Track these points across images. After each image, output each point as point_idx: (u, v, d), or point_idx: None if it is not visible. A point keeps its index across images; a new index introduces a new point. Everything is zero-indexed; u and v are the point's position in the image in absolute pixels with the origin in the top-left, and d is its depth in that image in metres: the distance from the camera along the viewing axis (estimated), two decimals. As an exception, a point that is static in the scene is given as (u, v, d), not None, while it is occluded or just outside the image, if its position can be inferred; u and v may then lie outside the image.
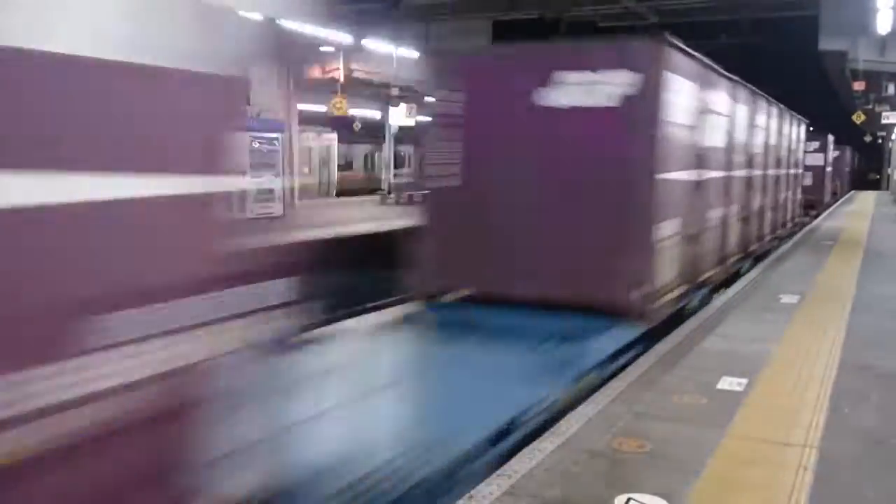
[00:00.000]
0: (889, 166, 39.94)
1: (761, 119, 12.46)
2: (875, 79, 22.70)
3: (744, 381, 5.39)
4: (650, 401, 4.96)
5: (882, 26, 15.74)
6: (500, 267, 6.98)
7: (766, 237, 13.76)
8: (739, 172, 10.77)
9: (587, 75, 6.77)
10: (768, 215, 13.95)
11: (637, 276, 6.64)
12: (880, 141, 46.41)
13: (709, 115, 8.69)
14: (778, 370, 5.72)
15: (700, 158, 8.31)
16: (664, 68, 6.79)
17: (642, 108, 6.65)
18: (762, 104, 12.58)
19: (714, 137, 9.08)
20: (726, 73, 9.73)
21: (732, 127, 10.16)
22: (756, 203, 12.46)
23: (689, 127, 7.79)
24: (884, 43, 17.14)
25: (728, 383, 5.34)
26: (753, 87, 11.50)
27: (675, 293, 7.55)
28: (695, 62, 8.01)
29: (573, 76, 6.82)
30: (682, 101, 7.46)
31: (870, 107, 26.96)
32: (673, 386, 5.30)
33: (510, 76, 7.10)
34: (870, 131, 40.04)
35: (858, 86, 22.57)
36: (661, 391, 5.17)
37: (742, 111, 10.91)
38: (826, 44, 18.00)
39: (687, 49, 7.59)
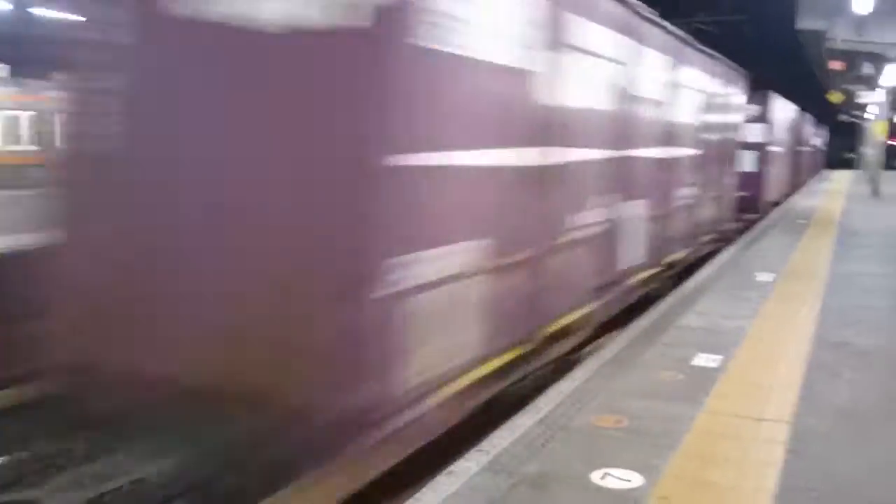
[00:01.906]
0: (863, 145, 40.31)
1: (659, 63, 7.78)
2: (852, 58, 22.81)
3: (719, 357, 5.45)
4: (627, 377, 5.00)
5: (859, 6, 15.78)
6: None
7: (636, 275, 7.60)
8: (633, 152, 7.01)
9: None
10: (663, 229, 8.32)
11: (336, 363, 3.48)
12: (854, 120, 46.79)
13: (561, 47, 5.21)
14: (753, 347, 5.79)
15: (537, 127, 4.89)
16: None
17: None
18: (665, 41, 8.09)
19: (574, 91, 5.52)
20: None
21: (617, 76, 6.43)
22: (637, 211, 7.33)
23: (502, 67, 4.47)
24: (861, 23, 17.20)
25: (704, 360, 5.40)
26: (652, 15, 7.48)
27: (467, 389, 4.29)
28: None
29: None
30: (479, 15, 4.19)
31: (846, 86, 27.12)
32: (650, 362, 5.35)
33: None
34: (845, 111, 40.31)
35: (835, 65, 22.67)
36: (638, 367, 5.22)
37: (630, 48, 6.82)
38: (804, 22, 18.05)
39: None
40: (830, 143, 54.06)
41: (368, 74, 3.48)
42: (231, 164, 3.71)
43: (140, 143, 3.88)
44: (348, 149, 3.50)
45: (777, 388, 4.83)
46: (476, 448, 3.84)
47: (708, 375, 5.04)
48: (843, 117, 43.36)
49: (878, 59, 20.27)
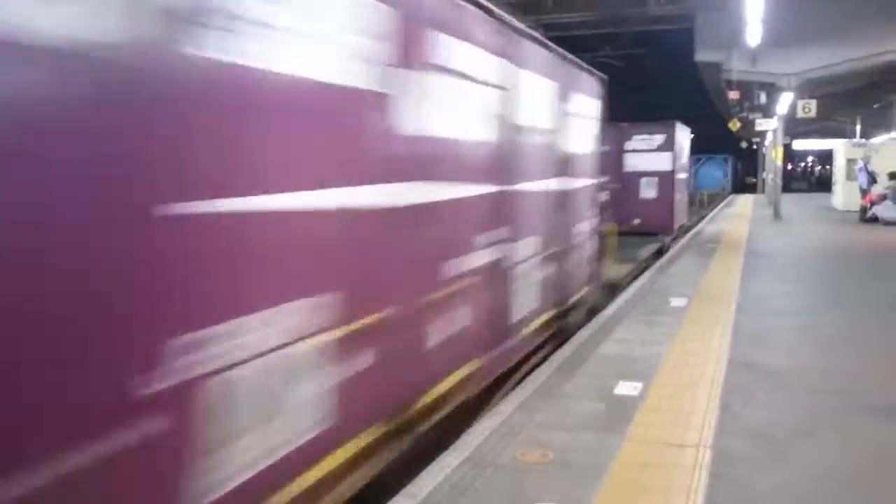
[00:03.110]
0: (763, 170, 42.14)
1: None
2: (748, 88, 23.92)
3: (639, 384, 5.53)
4: (551, 409, 5.02)
5: (752, 39, 16.59)
6: None
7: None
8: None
9: None
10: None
11: None
12: (755, 147, 48.93)
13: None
14: (671, 372, 5.90)
15: (395, 160, 4.06)
16: None
17: None
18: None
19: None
20: None
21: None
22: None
23: (335, 87, 3.50)
24: (754, 54, 18.07)
25: (625, 388, 5.47)
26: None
27: None
28: None
29: None
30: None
31: (744, 114, 28.39)
32: (572, 393, 5.39)
33: None
34: (745, 138, 42.14)
35: (733, 95, 23.73)
36: (561, 399, 5.25)
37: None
38: (702, 55, 18.88)
39: None
40: (735, 169, 56.70)
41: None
42: None
43: None
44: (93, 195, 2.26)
45: (696, 412, 4.92)
46: (402, 493, 3.77)
47: (630, 404, 5.11)
48: (744, 144, 45.29)
49: (772, 88, 21.31)
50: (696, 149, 29.65)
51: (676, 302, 8.98)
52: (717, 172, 53.51)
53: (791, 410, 5.03)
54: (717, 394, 5.31)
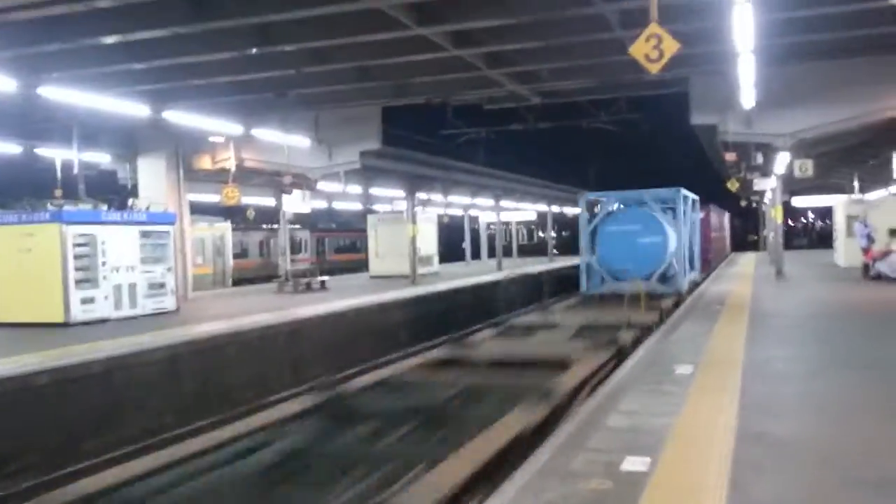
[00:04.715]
0: (764, 228, 42.24)
1: None
2: (745, 149, 24.16)
3: (648, 459, 5.44)
4: (558, 489, 4.93)
5: (746, 101, 16.82)
6: None
7: None
8: None
9: None
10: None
11: None
12: (755, 205, 49.18)
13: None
14: (679, 445, 5.82)
15: None
16: None
17: None
18: None
19: None
20: None
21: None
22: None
23: None
24: (749, 116, 18.30)
25: (632, 463, 5.38)
26: None
27: None
28: None
29: None
30: None
31: (742, 174, 28.63)
32: (578, 470, 5.30)
33: None
34: (744, 197, 42.40)
35: (730, 156, 23.97)
36: (568, 477, 5.16)
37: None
38: (697, 118, 19.09)
39: None
40: (735, 227, 56.69)
41: None
42: None
43: None
44: None
45: (706, 489, 4.83)
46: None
47: (638, 481, 5.02)
48: (744, 202, 45.53)
49: (768, 149, 21.51)
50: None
51: (682, 369, 8.90)
52: (649, 236, 19.61)
53: (801, 486, 4.93)
54: (726, 468, 5.21)
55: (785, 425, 6.32)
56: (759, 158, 24.13)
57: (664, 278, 19.11)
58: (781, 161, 21.89)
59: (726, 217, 44.22)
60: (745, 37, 12.31)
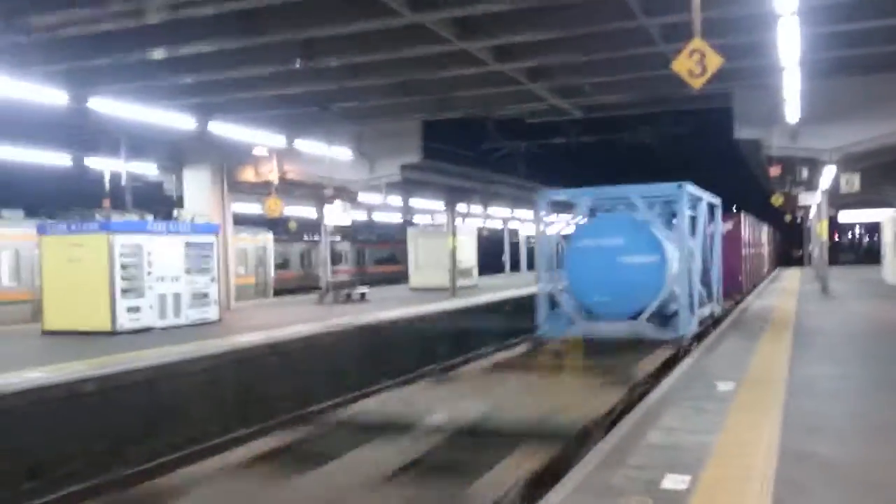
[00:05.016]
0: (810, 244, 41.53)
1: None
2: (790, 163, 23.81)
3: (688, 477, 5.39)
4: (597, 506, 4.91)
5: (791, 115, 16.60)
6: None
7: None
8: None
9: None
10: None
11: None
12: (800, 220, 48.38)
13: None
14: (720, 464, 5.75)
15: None
16: None
17: None
18: None
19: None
20: None
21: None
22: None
23: None
24: (795, 130, 18.04)
25: (672, 481, 5.34)
26: None
27: None
28: None
29: None
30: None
31: (787, 189, 28.21)
32: (618, 488, 5.27)
33: None
34: (789, 212, 41.74)
35: (774, 171, 23.64)
36: (606, 495, 5.13)
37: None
38: (741, 132, 18.87)
39: None
40: (782, 242, 55.81)
41: None
42: None
43: None
44: None
45: (747, 508, 4.77)
46: None
47: (678, 499, 4.97)
48: (788, 217, 44.83)
49: (814, 163, 21.17)
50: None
51: (724, 386, 8.79)
52: (639, 255, 13.65)
53: (847, 506, 4.85)
54: (768, 489, 5.14)
55: (831, 446, 6.21)
56: (804, 173, 23.77)
57: (661, 317, 13.47)
58: (827, 175, 21.53)
59: (766, 230, 36.94)
60: (791, 51, 12.18)
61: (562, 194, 15.96)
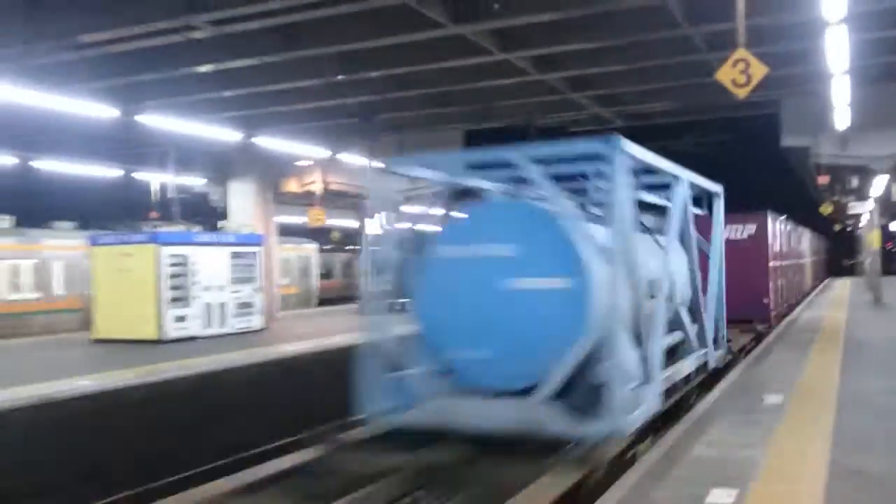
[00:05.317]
0: (861, 253, 40.61)
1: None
2: (839, 171, 23.34)
3: (734, 492, 5.29)
4: (640, 520, 4.84)
5: (840, 123, 16.29)
6: None
7: None
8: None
9: None
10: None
11: None
12: (850, 229, 47.39)
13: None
14: (768, 479, 5.63)
15: None
16: None
17: None
18: None
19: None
20: None
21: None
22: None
23: None
24: (844, 138, 17.69)
25: (718, 496, 5.24)
26: None
27: None
28: None
29: None
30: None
31: (836, 198, 27.64)
32: (663, 501, 5.19)
33: None
34: (839, 220, 40.91)
35: (823, 180, 23.19)
36: (650, 509, 5.06)
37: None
38: (788, 140, 18.56)
39: None
40: (831, 252, 54.67)
41: None
42: None
43: None
44: None
45: (796, 525, 4.66)
46: None
47: (723, 515, 4.88)
48: (838, 227, 43.93)
49: (864, 172, 20.73)
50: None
51: (772, 399, 8.62)
52: (538, 273, 7.30)
53: (901, 525, 4.71)
54: (818, 504, 5.02)
55: (884, 462, 6.03)
56: (855, 181, 23.28)
57: (578, 394, 7.06)
58: (879, 184, 21.06)
59: (808, 237, 29.45)
60: (839, 57, 11.95)
61: (403, 164, 9.39)
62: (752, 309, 15.64)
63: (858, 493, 5.26)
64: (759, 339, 15.32)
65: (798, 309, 22.51)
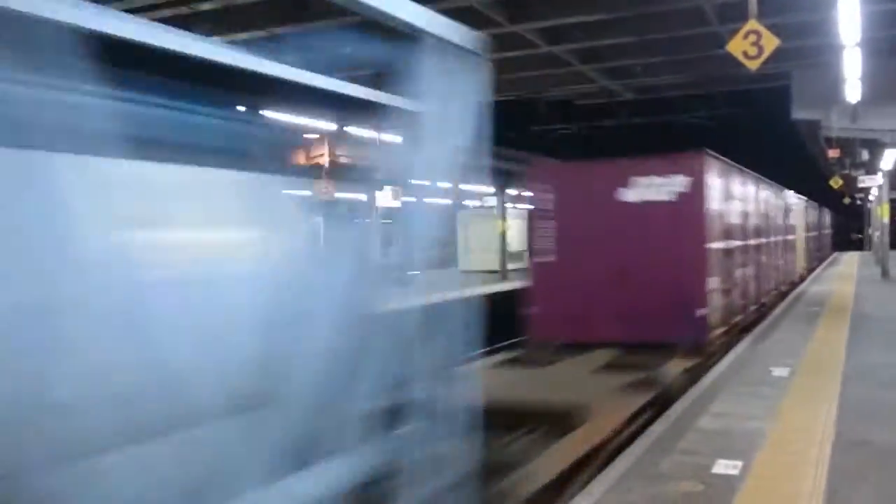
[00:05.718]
0: (870, 227, 40.46)
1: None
2: (849, 145, 23.20)
3: (739, 463, 5.34)
4: (645, 490, 4.90)
5: (851, 96, 16.16)
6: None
7: None
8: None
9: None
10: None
11: None
12: (859, 202, 47.17)
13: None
14: (773, 450, 5.68)
15: None
16: None
17: None
18: None
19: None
20: None
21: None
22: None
23: None
24: (855, 111, 17.55)
25: (723, 467, 5.29)
26: None
27: None
28: None
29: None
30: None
31: (846, 171, 27.50)
32: (668, 472, 5.25)
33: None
34: (848, 194, 40.73)
35: (833, 153, 23.05)
36: (656, 479, 5.12)
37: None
38: (799, 113, 18.44)
39: None
40: (838, 226, 54.42)
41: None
42: None
43: None
44: None
45: (802, 496, 4.71)
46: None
47: (729, 485, 4.93)
48: (847, 200, 43.73)
49: (875, 145, 20.60)
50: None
51: (778, 371, 8.66)
52: None
53: (904, 495, 4.76)
54: (823, 475, 5.07)
55: (889, 434, 6.07)
56: (865, 155, 23.14)
57: None
58: (889, 158, 20.94)
59: (804, 207, 25.57)
60: (851, 30, 11.84)
61: None
62: (674, 325, 9.68)
63: (862, 465, 5.31)
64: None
65: (805, 284, 22.48)
